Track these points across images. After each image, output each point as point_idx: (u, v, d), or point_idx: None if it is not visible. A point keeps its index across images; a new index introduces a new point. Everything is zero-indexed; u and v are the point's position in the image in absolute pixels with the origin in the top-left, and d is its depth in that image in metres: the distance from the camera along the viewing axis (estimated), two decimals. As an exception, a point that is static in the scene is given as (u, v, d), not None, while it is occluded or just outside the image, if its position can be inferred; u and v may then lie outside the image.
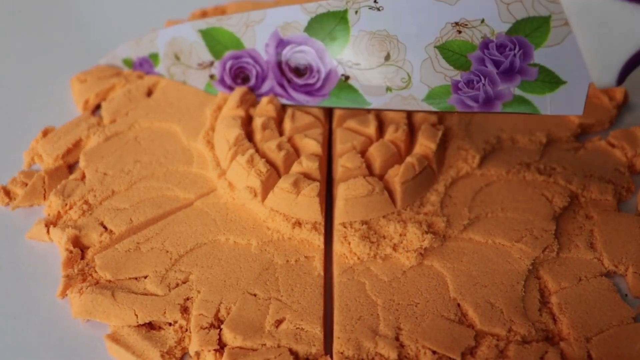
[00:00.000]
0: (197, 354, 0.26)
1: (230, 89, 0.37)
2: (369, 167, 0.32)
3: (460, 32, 0.28)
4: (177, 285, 0.28)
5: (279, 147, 0.32)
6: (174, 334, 0.26)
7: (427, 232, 0.29)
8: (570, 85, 0.27)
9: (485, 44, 0.28)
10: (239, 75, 0.36)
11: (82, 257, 0.29)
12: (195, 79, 0.38)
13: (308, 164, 0.31)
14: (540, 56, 0.27)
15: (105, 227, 0.30)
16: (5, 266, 0.30)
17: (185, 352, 0.26)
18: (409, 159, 0.31)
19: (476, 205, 0.32)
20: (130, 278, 0.28)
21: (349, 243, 0.29)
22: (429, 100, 0.31)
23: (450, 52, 0.29)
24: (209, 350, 0.25)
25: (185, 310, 0.27)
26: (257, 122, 0.34)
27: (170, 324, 0.27)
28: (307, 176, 0.31)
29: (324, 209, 0.31)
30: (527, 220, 0.31)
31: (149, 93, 0.39)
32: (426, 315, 0.27)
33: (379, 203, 0.30)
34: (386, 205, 0.30)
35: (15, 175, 0.34)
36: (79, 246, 0.30)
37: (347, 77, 0.33)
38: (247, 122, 0.35)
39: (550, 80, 0.27)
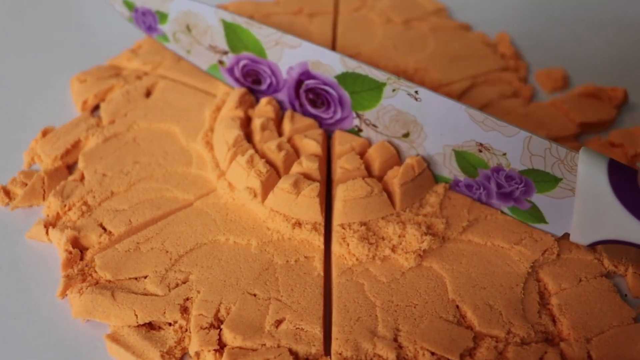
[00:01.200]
0: (197, 354, 0.26)
1: (237, 80, 0.37)
2: (368, 168, 0.32)
3: (481, 151, 0.30)
4: (177, 285, 0.28)
5: (279, 148, 0.32)
6: (174, 334, 0.26)
7: (426, 234, 0.29)
8: (550, 226, 0.30)
9: (497, 169, 0.30)
10: (250, 75, 0.36)
11: (82, 259, 0.29)
12: (201, 56, 0.38)
13: (308, 164, 0.31)
14: (539, 199, 0.29)
15: (104, 229, 0.30)
16: (5, 266, 0.30)
17: (185, 352, 0.26)
18: (408, 161, 0.31)
19: (475, 207, 0.32)
20: (130, 278, 0.28)
21: (348, 244, 0.29)
22: None
23: (464, 160, 0.31)
24: (209, 350, 0.25)
25: (185, 310, 0.27)
26: (256, 123, 0.34)
27: (170, 324, 0.27)
28: (307, 176, 0.31)
29: (324, 210, 0.31)
30: (526, 223, 0.31)
31: (148, 94, 0.39)
32: (425, 316, 0.27)
33: (377, 204, 0.30)
34: (385, 206, 0.31)
35: (15, 175, 0.34)
36: (78, 247, 0.30)
37: (359, 129, 0.34)
38: (246, 123, 0.35)
39: (536, 216, 0.30)
